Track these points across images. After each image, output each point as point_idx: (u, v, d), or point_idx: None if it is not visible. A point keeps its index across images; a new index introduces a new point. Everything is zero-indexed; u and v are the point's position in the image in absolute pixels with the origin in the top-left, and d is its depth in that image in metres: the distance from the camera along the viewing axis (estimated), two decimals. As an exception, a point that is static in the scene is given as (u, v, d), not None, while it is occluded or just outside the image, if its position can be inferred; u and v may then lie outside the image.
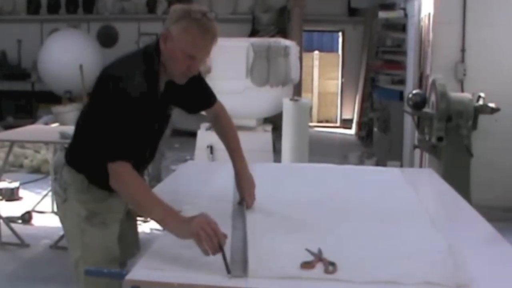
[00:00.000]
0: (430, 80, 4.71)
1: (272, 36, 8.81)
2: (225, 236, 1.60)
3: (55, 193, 2.08)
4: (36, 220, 4.82)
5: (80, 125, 2.04)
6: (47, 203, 5.01)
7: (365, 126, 9.69)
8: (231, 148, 2.23)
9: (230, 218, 1.98)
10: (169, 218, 1.71)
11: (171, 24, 1.84)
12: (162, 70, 1.91)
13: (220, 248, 1.55)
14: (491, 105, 4.26)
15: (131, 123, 1.80)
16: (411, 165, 5.86)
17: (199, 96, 2.18)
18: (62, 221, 2.08)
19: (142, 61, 1.88)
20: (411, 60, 6.36)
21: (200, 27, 1.80)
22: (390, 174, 2.92)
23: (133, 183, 1.79)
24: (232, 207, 2.11)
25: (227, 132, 2.26)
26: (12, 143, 4.63)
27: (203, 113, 2.30)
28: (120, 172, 1.78)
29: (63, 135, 4.21)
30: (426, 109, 4.46)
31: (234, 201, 2.16)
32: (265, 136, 5.78)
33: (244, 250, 1.64)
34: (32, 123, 7.30)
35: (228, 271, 1.50)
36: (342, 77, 11.73)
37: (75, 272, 2.03)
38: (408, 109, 4.80)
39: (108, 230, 2.01)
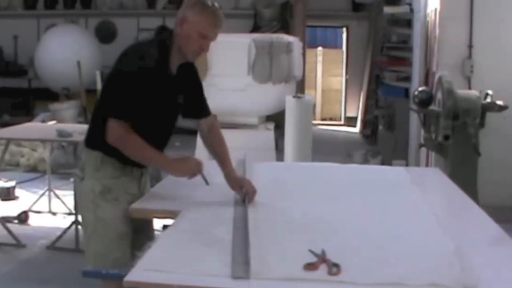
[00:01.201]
0: (436, 77, 4.70)
1: (275, 32, 8.80)
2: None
3: (75, 176, 2.30)
4: (33, 220, 4.82)
5: (98, 106, 2.27)
6: (44, 203, 5.02)
7: (369, 124, 9.69)
8: (222, 154, 2.39)
9: (232, 218, 1.98)
10: (169, 161, 2.19)
11: (187, 11, 2.18)
12: (175, 52, 2.20)
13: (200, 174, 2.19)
14: (499, 102, 4.26)
15: (141, 89, 2.07)
16: (417, 164, 5.86)
17: (196, 101, 2.41)
18: (79, 200, 2.32)
19: (155, 41, 2.22)
20: (417, 57, 6.36)
21: (212, 11, 2.18)
22: (395, 173, 2.91)
23: (135, 140, 2.09)
24: (233, 206, 2.10)
25: (220, 140, 2.43)
26: (8, 141, 4.63)
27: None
28: (121, 129, 2.06)
29: (60, 133, 4.22)
30: (433, 107, 4.45)
31: (234, 201, 2.16)
32: (268, 134, 5.78)
33: (246, 251, 1.64)
34: (29, 120, 7.30)
35: (207, 183, 2.20)
36: (346, 74, 11.72)
37: (86, 247, 2.23)
38: (414, 106, 4.80)
39: (119, 206, 2.19)
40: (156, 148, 2.21)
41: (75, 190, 2.33)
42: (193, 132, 5.88)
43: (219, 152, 2.39)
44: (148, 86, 2.09)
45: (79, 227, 4.15)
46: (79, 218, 2.41)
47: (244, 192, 2.19)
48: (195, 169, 2.18)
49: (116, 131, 2.07)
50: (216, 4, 2.20)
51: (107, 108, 2.11)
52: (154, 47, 2.17)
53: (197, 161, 2.20)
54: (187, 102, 2.35)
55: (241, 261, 1.58)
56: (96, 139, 2.21)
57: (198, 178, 2.19)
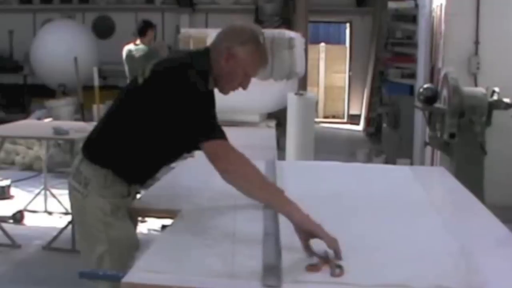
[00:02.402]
0: (442, 74, 4.70)
1: (276, 27, 8.80)
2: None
3: (73, 190, 2.15)
4: (28, 219, 4.83)
5: (113, 120, 2.14)
6: (40, 202, 5.03)
7: (373, 122, 9.70)
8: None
9: (232, 217, 1.98)
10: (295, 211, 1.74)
11: (236, 46, 2.02)
12: (211, 81, 2.08)
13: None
14: (506, 100, 4.25)
15: (209, 109, 2.00)
16: (422, 163, 5.85)
17: None
18: (81, 217, 2.17)
19: (195, 70, 2.01)
20: (422, 53, 6.35)
21: (264, 51, 2.08)
22: (399, 172, 2.91)
23: (248, 169, 1.85)
24: (234, 205, 2.10)
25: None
26: (3, 139, 4.64)
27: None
28: (230, 155, 1.87)
29: (57, 131, 4.22)
30: (438, 104, 4.45)
31: (235, 202, 2.15)
32: (269, 132, 5.78)
33: (278, 259, 1.60)
34: (25, 118, 7.30)
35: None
36: (350, 70, 11.72)
37: (96, 267, 2.10)
38: (418, 104, 4.80)
39: (129, 222, 2.16)
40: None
41: (72, 205, 2.21)
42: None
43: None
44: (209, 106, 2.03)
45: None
46: (79, 234, 2.31)
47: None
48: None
49: (228, 160, 1.86)
50: (265, 39, 2.08)
51: (199, 134, 1.91)
52: (196, 73, 1.99)
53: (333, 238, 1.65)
54: None
55: (273, 269, 1.53)
56: (106, 156, 2.10)
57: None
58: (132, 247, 2.14)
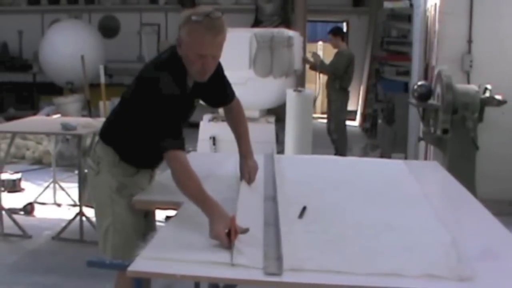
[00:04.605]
0: (435, 72, 4.70)
1: (276, 26, 8.79)
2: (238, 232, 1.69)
3: (88, 167, 2.30)
4: (38, 211, 4.84)
5: (119, 108, 2.23)
6: (49, 195, 5.04)
7: (369, 118, 9.68)
8: (239, 133, 2.41)
9: (233, 208, 1.98)
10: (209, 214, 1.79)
11: (181, 29, 2.00)
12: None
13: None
14: (498, 97, 4.25)
15: (171, 117, 1.96)
16: (416, 157, 5.85)
17: (218, 93, 2.37)
18: (93, 192, 2.29)
19: (171, 66, 2.04)
20: (416, 51, 6.35)
21: (201, 27, 1.94)
22: (394, 166, 2.92)
23: (189, 177, 1.92)
24: (235, 198, 2.11)
25: (237, 118, 2.45)
26: (14, 134, 4.64)
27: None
28: (177, 161, 1.95)
29: (65, 127, 4.22)
30: (432, 101, 4.45)
31: (236, 194, 2.16)
32: (268, 127, 5.79)
33: (278, 247, 1.62)
34: (34, 114, 7.31)
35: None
36: (347, 68, 11.67)
37: (102, 239, 2.25)
38: (413, 100, 4.79)
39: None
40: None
41: (89, 182, 2.34)
42: (194, 125, 5.91)
43: (236, 131, 2.44)
44: (174, 111, 1.97)
45: (84, 218, 4.17)
46: (93, 209, 2.41)
47: (246, 177, 2.26)
48: (221, 237, 1.67)
49: (175, 165, 1.94)
50: (211, 14, 1.94)
51: (158, 141, 1.95)
52: (170, 74, 1.99)
53: (223, 226, 1.70)
54: (212, 96, 2.36)
55: (273, 256, 1.56)
56: (113, 137, 2.22)
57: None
58: (134, 225, 2.20)
